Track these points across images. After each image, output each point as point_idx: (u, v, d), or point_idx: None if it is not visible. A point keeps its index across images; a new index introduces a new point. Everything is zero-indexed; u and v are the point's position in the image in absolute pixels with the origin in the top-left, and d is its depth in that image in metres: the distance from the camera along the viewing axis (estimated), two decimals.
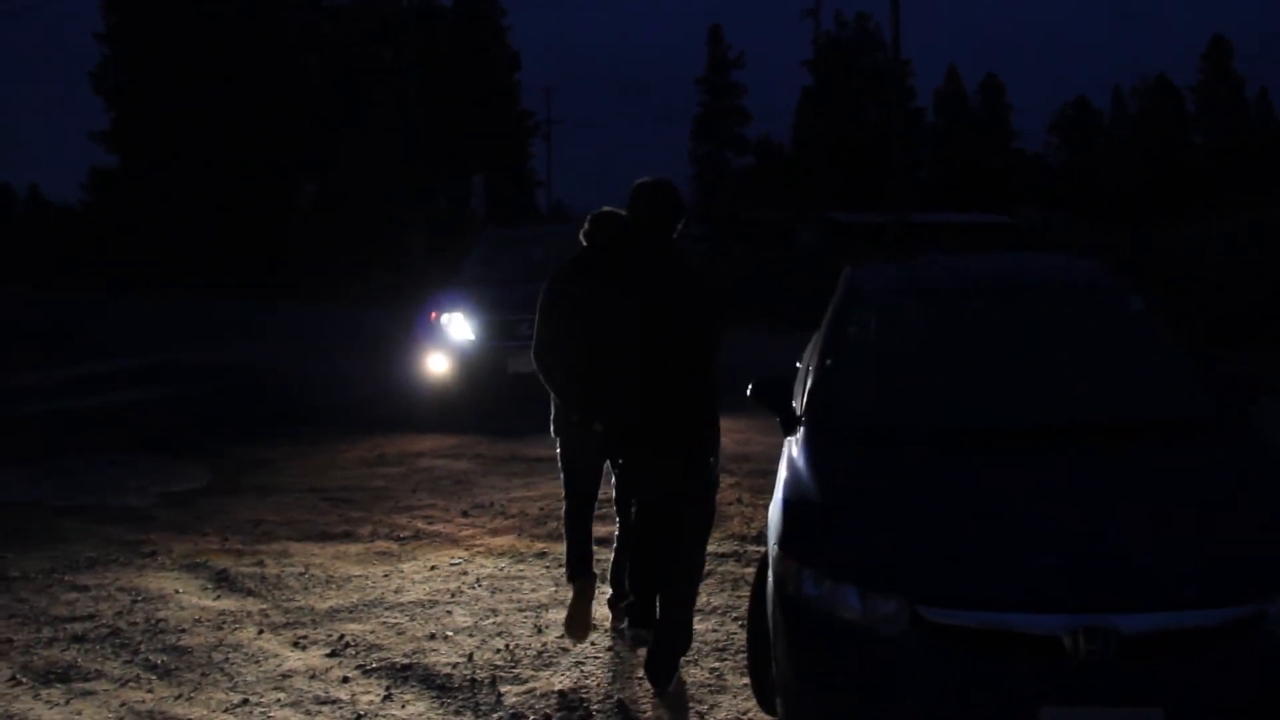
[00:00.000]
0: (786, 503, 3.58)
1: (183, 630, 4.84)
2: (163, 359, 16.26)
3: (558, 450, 4.76)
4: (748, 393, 4.41)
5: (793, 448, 3.96)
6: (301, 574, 5.61)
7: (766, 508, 6.62)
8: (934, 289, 4.65)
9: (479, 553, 5.88)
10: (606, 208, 4.63)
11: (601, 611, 4.79)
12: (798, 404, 4.31)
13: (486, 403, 10.16)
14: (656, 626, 4.28)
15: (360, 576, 5.55)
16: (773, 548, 3.52)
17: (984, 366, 4.14)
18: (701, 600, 4.99)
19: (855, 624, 3.13)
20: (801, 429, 3.98)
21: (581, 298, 4.37)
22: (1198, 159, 61.58)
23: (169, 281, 40.16)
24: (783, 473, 3.90)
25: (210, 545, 6.22)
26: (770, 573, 3.51)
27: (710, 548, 5.75)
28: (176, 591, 5.39)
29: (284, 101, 47.95)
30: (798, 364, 6.31)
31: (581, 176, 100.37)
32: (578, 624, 4.46)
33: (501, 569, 5.59)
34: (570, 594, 4.58)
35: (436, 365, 10.17)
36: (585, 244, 4.55)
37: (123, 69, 52.16)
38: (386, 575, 5.56)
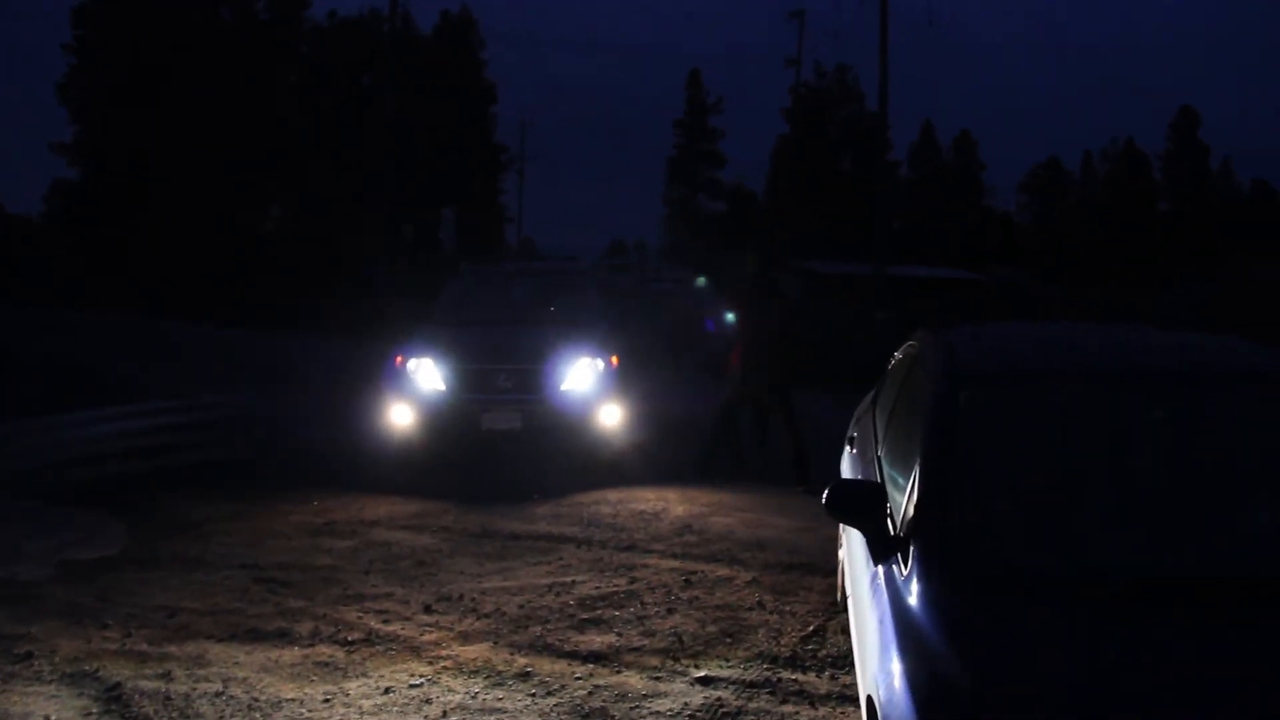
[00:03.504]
0: (917, 684, 2.45)
1: None
2: (97, 387, 14.89)
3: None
4: (823, 501, 3.31)
5: (898, 588, 2.85)
6: (218, 694, 4.39)
7: (793, 614, 5.49)
8: (1069, 372, 3.56)
9: (445, 669, 4.69)
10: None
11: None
12: (893, 520, 3.21)
13: (456, 462, 8.97)
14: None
15: (293, 701, 4.34)
16: None
17: (1161, 486, 3.07)
18: None
19: None
20: (914, 565, 2.86)
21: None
22: (1162, 225, 62.18)
23: (126, 299, 38.55)
24: (887, 623, 2.79)
25: (108, 644, 4.98)
26: None
27: (735, 673, 4.63)
28: (47, 719, 4.15)
29: (255, 121, 46.73)
30: (847, 445, 5.21)
31: (553, 213, 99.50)
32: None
33: (474, 695, 4.40)
34: None
35: (400, 417, 8.94)
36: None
37: (90, 81, 50.71)
38: (328, 700, 4.35)
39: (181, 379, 15.94)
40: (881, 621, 2.85)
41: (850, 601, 4.04)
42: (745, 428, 9.35)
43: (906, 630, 2.68)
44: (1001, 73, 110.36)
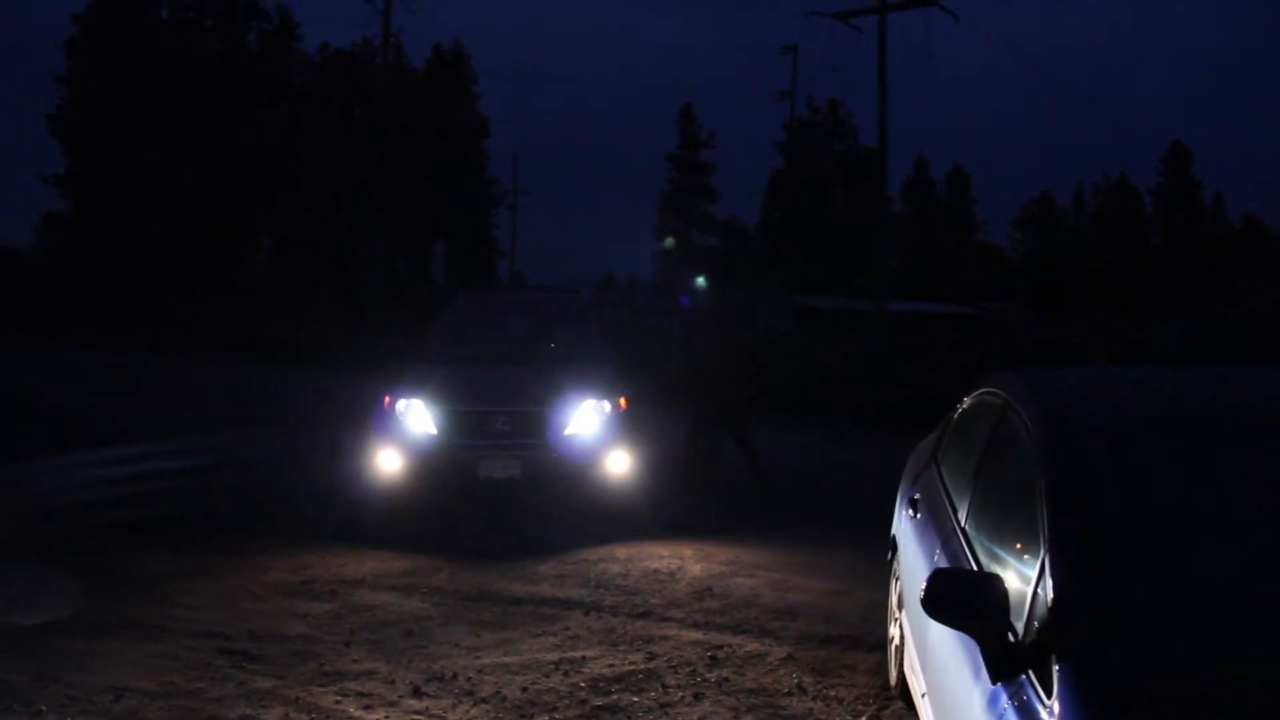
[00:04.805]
0: None
1: None
2: (76, 428, 14.10)
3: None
4: (920, 600, 2.61)
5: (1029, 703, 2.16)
6: None
7: (840, 702, 4.74)
8: (1223, 426, 2.87)
9: None
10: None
11: None
12: (1018, 623, 2.52)
13: (449, 513, 8.23)
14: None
15: None
16: None
17: None
18: None
19: None
20: (1065, 693, 2.16)
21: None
22: (1153, 260, 62.13)
23: (114, 333, 37.75)
24: None
25: None
26: None
27: None
28: None
29: (247, 152, 46.23)
30: (907, 509, 4.49)
31: (544, 248, 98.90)
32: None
33: None
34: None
35: (387, 463, 8.20)
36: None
37: (82, 113, 50.17)
38: None
39: (165, 418, 15.19)
40: None
41: (929, 707, 3.33)
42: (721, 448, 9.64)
43: None
44: (994, 107, 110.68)
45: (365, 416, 9.01)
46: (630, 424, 8.36)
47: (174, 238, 45.28)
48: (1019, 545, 2.86)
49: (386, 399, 8.36)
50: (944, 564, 3.38)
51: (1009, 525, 3.05)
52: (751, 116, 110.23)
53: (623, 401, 8.34)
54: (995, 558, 3.02)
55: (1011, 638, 2.50)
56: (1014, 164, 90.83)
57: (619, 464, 8.14)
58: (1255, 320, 26.97)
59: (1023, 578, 2.69)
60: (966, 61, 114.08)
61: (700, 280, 10.35)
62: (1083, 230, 69.28)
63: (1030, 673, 2.34)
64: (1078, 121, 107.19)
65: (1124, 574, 2.38)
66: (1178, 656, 2.22)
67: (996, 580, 2.56)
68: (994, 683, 2.45)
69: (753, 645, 5.38)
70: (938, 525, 3.74)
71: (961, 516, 3.51)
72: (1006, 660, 2.42)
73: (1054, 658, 2.26)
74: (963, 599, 2.53)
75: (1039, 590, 2.48)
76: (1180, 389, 3.38)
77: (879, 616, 5.50)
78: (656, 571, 6.80)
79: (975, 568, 3.09)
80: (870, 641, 5.35)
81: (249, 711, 4.53)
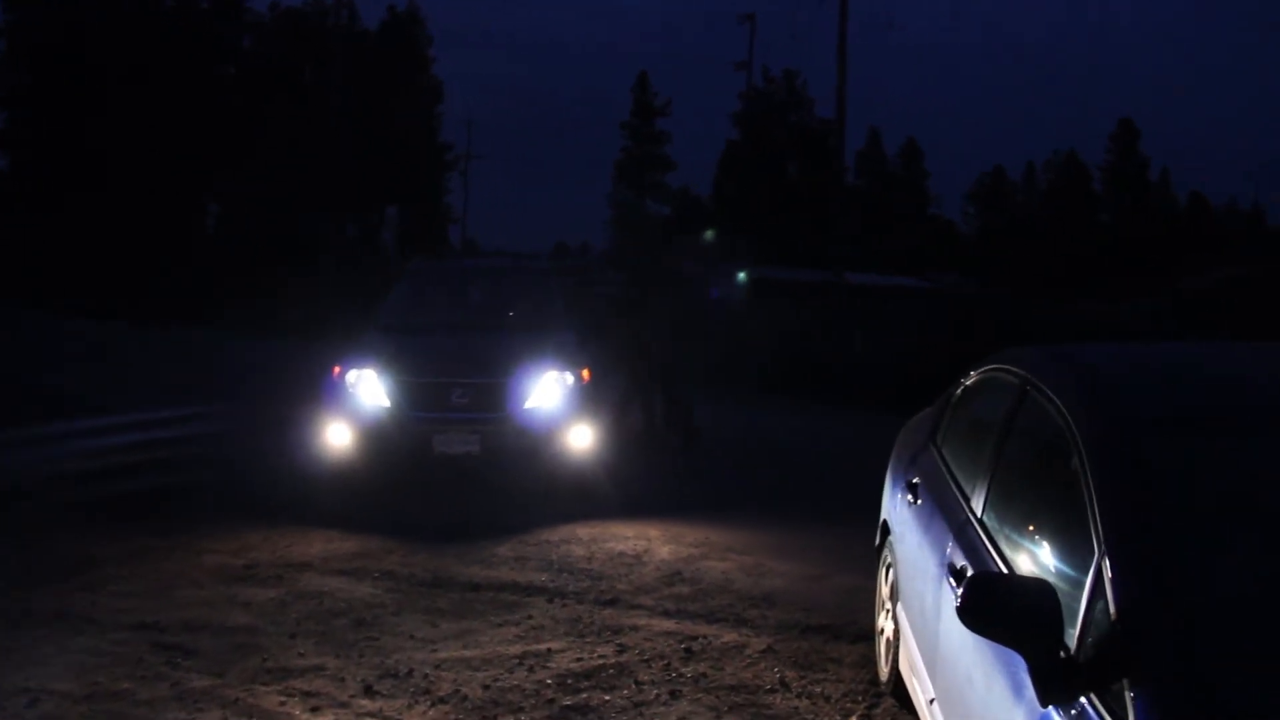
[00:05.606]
0: None
1: None
2: (17, 399, 13.41)
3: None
4: (956, 607, 2.27)
5: None
6: None
7: (827, 699, 4.38)
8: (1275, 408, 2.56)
9: None
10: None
11: None
12: (1069, 635, 2.18)
13: (402, 490, 7.80)
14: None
15: None
16: None
17: None
18: None
19: None
20: (1137, 717, 1.83)
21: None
22: (1102, 236, 62.71)
23: (57, 296, 36.55)
24: None
25: None
26: None
27: None
28: None
29: (194, 114, 44.89)
30: (904, 493, 4.15)
31: (496, 215, 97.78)
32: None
33: None
34: None
35: (337, 437, 7.75)
36: None
37: (20, 68, 48.41)
38: None
39: (110, 389, 14.52)
40: None
41: (940, 716, 3.00)
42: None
43: None
44: (947, 81, 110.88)
45: (315, 388, 8.54)
46: (593, 396, 7.97)
47: (118, 199, 43.94)
48: (1057, 544, 2.54)
49: (336, 369, 7.90)
50: (960, 558, 3.05)
51: (1040, 520, 2.72)
52: (709, 86, 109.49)
53: (585, 373, 7.95)
54: (1025, 554, 2.69)
55: (1062, 654, 2.16)
56: (967, 138, 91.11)
57: (581, 438, 7.75)
58: (1208, 297, 27.25)
59: (1065, 580, 2.37)
60: (919, 35, 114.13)
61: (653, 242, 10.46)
62: (1033, 206, 69.83)
63: (1093, 696, 2.00)
64: (1030, 96, 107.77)
65: (1202, 584, 2.05)
66: (1271, 681, 1.89)
67: (1047, 588, 2.21)
68: (1044, 705, 2.11)
69: (729, 636, 5.04)
70: (947, 515, 3.40)
71: (976, 506, 3.17)
72: (1057, 680, 2.09)
73: (1126, 682, 1.92)
74: (1009, 609, 2.18)
75: (1095, 600, 2.15)
76: (1218, 372, 3.05)
77: (860, 604, 5.20)
78: (622, 554, 6.44)
79: (1000, 563, 2.76)
80: (853, 632, 5.05)
81: (182, 715, 4.12)
